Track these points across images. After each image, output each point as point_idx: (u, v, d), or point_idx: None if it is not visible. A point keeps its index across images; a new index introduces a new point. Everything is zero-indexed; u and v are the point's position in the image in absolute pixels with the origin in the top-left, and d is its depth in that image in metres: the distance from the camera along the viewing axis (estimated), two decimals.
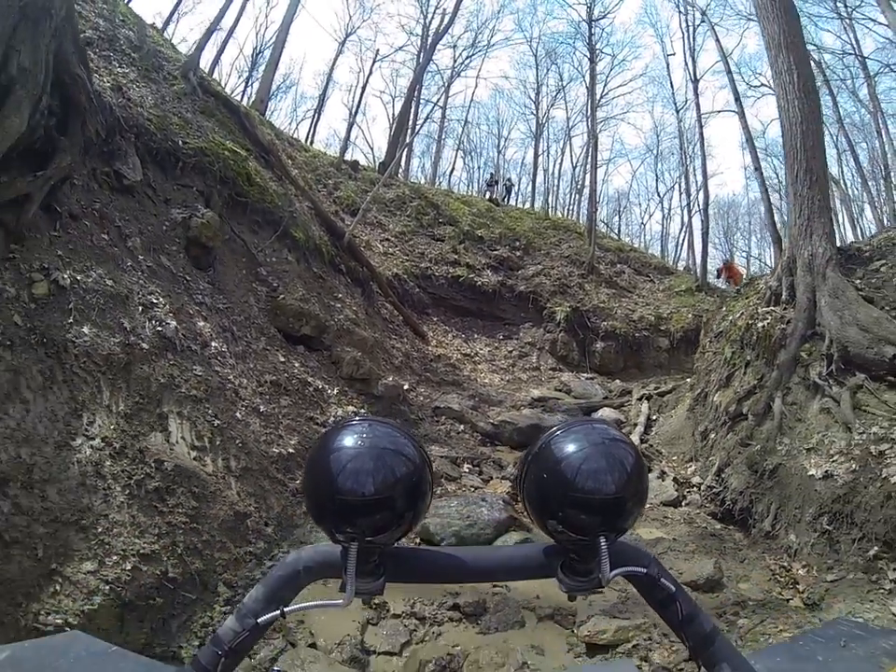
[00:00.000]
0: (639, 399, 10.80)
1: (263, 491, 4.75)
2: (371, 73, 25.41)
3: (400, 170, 20.50)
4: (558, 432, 0.79)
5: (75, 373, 3.65)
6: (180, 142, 7.78)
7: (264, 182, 9.62)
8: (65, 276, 4.33)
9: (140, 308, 4.95)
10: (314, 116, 26.15)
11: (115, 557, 2.82)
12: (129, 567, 2.81)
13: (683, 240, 28.41)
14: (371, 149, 31.89)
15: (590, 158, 21.59)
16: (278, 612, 0.72)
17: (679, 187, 27.05)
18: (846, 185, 26.78)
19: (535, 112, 28.97)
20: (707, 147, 16.61)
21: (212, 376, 5.05)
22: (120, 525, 2.98)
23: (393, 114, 28.59)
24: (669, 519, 5.30)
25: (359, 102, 23.83)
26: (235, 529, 4.13)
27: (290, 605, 0.75)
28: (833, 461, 4.14)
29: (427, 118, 23.93)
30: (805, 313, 5.26)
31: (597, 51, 22.27)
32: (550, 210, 24.13)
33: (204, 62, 14.68)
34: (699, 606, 0.81)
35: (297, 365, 6.89)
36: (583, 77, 24.04)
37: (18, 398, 3.16)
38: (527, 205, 26.59)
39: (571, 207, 29.90)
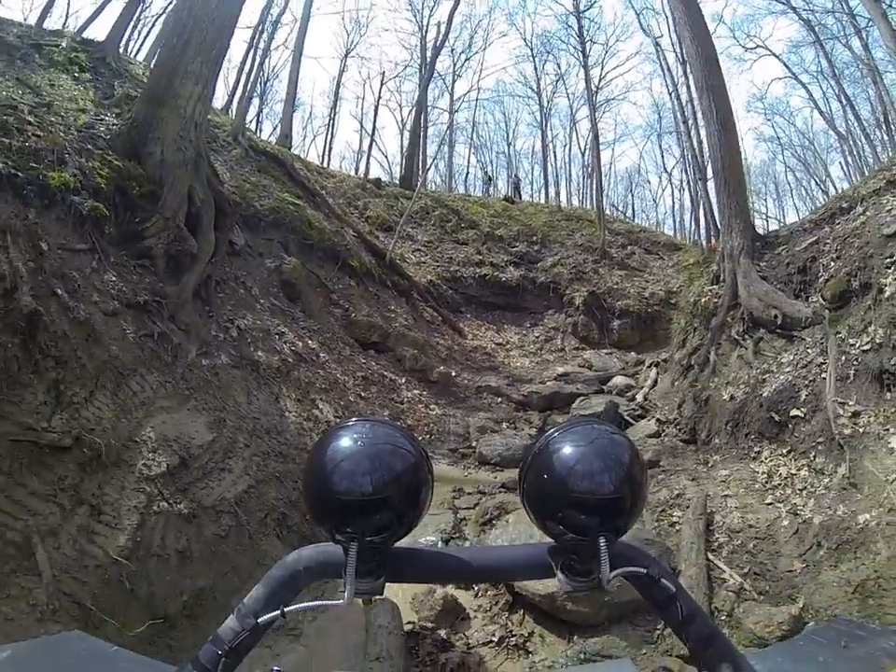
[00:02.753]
0: (649, 367, 12.50)
1: None
2: (380, 95, 26.49)
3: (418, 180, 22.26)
4: (557, 433, 0.79)
5: (267, 379, 6.21)
6: (258, 205, 10.30)
7: (320, 224, 12.06)
8: (239, 322, 6.91)
9: (277, 336, 7.51)
10: (326, 134, 28.04)
11: None
12: None
13: (693, 213, 29.52)
14: (385, 157, 33.10)
15: (592, 149, 22.93)
16: (278, 612, 0.74)
17: (685, 160, 27.97)
18: (853, 140, 27.59)
19: (538, 102, 29.63)
20: None
21: (329, 375, 7.60)
22: None
23: (401, 119, 29.91)
24: (648, 444, 7.60)
25: (373, 126, 24.90)
26: None
27: (290, 605, 0.76)
28: (738, 388, 6.40)
29: (440, 144, 25.46)
30: (730, 290, 7.38)
31: (588, 41, 23.18)
32: (563, 197, 25.33)
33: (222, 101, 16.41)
34: (700, 606, 0.81)
35: (374, 364, 9.40)
36: (581, 64, 24.33)
37: (251, 394, 5.73)
38: (541, 193, 27.79)
39: (584, 191, 30.71)
